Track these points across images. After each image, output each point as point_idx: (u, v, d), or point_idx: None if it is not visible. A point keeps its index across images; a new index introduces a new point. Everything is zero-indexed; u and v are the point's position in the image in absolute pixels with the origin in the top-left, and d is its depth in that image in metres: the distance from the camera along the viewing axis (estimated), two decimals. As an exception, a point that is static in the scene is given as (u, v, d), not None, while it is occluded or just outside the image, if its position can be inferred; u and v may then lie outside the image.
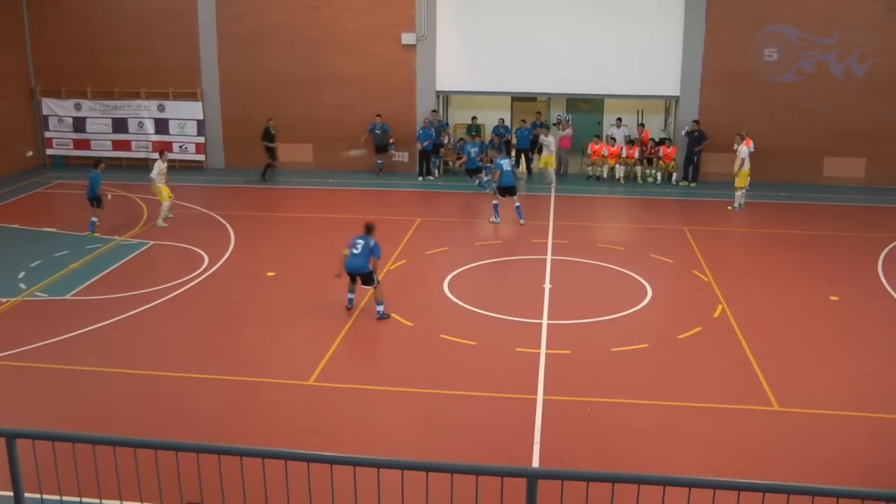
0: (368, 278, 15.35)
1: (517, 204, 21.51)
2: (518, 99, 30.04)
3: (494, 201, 21.58)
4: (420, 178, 27.19)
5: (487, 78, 27.63)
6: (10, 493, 6.28)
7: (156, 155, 22.38)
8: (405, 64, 27.62)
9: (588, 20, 26.78)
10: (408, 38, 27.35)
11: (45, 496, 6.63)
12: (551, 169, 26.05)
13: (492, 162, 23.98)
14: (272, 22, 27.86)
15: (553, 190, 25.57)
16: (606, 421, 11.86)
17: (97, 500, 7.60)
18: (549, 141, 26.03)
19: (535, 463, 10.59)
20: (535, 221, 21.92)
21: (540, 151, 27.19)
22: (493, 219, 21.59)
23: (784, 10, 25.86)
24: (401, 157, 28.05)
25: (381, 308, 15.42)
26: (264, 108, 28.00)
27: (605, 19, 26.65)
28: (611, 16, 26.60)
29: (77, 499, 6.93)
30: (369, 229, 15.41)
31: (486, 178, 24.43)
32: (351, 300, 15.75)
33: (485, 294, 16.89)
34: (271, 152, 26.72)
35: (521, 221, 21.43)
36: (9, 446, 6.13)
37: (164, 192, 21.73)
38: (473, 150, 25.27)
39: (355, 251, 15.20)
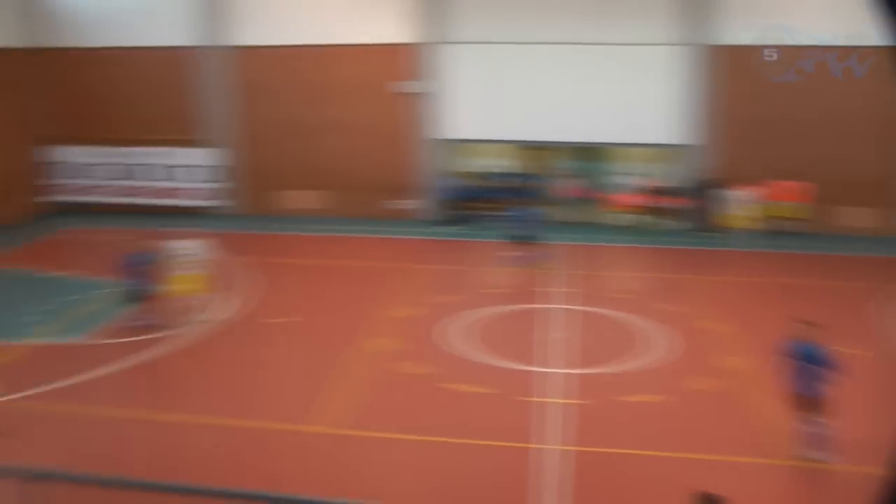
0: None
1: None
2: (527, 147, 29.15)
3: None
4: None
5: (493, 126, 27.59)
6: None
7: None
8: (407, 112, 27.70)
9: (602, 68, 26.79)
10: (407, 87, 27.33)
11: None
12: None
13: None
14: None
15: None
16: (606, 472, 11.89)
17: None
18: None
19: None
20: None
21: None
22: None
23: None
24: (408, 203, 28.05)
25: None
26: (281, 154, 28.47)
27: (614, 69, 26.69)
28: (617, 64, 26.63)
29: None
30: None
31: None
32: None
33: (490, 342, 16.65)
34: None
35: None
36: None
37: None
38: None
39: None
